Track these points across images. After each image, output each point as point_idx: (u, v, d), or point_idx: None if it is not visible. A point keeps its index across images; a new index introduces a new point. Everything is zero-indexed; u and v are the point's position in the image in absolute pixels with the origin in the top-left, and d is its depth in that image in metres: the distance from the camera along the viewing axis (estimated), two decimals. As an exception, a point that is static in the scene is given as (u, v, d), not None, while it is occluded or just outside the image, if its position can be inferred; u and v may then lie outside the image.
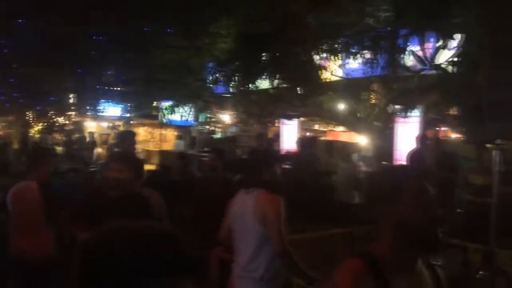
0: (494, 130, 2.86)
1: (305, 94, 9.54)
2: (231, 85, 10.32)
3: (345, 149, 10.37)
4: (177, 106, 14.10)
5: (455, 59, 5.59)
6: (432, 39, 6.30)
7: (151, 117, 18.21)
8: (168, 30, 10.77)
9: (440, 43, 6.12)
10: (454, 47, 6.00)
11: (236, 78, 9.51)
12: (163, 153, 15.49)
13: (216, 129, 18.83)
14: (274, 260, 3.09)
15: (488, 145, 3.13)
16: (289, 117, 12.54)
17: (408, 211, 1.43)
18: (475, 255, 3.95)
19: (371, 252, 1.44)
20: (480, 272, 3.24)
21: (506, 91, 2.83)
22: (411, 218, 1.42)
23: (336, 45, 8.06)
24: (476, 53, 2.95)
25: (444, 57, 6.25)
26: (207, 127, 19.23)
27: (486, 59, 2.80)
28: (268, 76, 9.10)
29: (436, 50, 6.41)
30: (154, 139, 20.45)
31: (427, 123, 10.06)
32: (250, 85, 9.36)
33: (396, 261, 1.43)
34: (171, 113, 14.48)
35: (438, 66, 6.41)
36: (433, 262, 3.76)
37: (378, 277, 1.39)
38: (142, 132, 21.02)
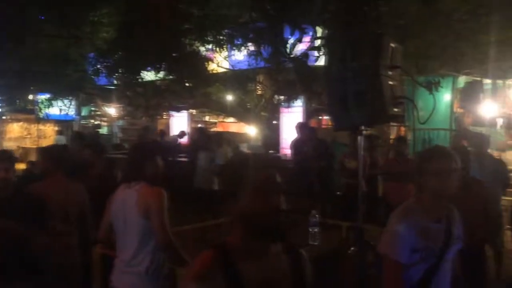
0: (358, 118, 3.11)
1: (192, 85, 9.52)
2: (114, 76, 9.89)
3: (233, 139, 10.55)
4: (55, 99, 13.14)
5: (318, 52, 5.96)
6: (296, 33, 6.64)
7: (26, 111, 16.75)
8: (43, 17, 9.93)
9: (299, 36, 6.49)
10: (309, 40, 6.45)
11: (120, 69, 9.14)
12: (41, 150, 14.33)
13: (102, 123, 17.94)
14: (158, 253, 3.06)
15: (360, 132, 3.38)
16: (178, 109, 12.43)
17: (252, 202, 1.45)
18: (350, 233, 4.31)
19: (224, 242, 1.49)
20: (352, 248, 3.53)
21: (369, 80, 3.09)
22: (255, 208, 1.44)
23: (220, 37, 8.14)
24: (337, 46, 3.18)
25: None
26: (92, 121, 18.24)
27: (348, 51, 3.03)
28: (153, 67, 8.88)
29: (294, 43, 6.79)
30: (31, 135, 18.86)
31: (310, 113, 10.67)
32: (134, 77, 9.06)
33: (246, 249, 1.47)
34: (49, 107, 13.46)
35: (295, 58, 6.79)
36: (310, 242, 4.04)
37: (229, 266, 1.43)
38: (16, 128, 19.23)
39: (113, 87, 11.88)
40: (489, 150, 8.01)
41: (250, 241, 1.47)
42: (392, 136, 9.44)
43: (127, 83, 9.67)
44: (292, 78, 8.98)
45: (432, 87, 7.39)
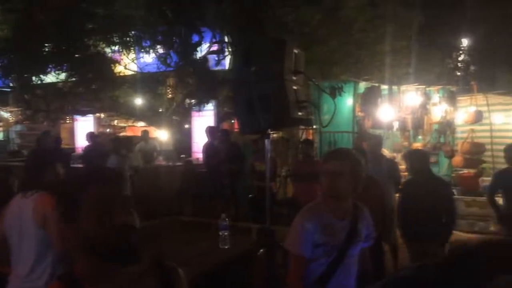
0: (263, 121, 3.16)
1: (98, 88, 9.09)
2: (10, 77, 9.13)
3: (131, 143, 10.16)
4: None
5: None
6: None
7: None
8: None
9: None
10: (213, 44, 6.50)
11: (16, 69, 8.45)
12: None
13: (-4, 128, 16.45)
14: (58, 265, 2.86)
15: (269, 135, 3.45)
16: (83, 113, 11.79)
17: (90, 222, 1.27)
18: (260, 235, 4.37)
19: (71, 272, 1.33)
20: (261, 250, 3.57)
21: (273, 84, 3.16)
22: (94, 230, 1.27)
23: (127, 38, 7.87)
24: (240, 50, 3.22)
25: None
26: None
27: (252, 56, 3.08)
28: (53, 69, 8.33)
29: (194, 46, 6.80)
30: None
31: (222, 116, 10.71)
32: (33, 78, 8.43)
33: (95, 276, 1.31)
34: None
35: (194, 62, 6.81)
36: (220, 246, 4.04)
37: None
38: None
39: (8, 89, 10.95)
40: (387, 151, 8.69)
41: (97, 267, 1.29)
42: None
43: (24, 85, 8.97)
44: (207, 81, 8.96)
45: (336, 92, 7.82)
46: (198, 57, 6.43)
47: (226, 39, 6.54)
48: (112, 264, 1.29)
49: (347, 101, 8.72)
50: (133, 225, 1.29)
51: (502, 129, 10.15)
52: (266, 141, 3.42)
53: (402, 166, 8.83)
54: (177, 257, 3.74)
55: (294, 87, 3.32)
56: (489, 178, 9.45)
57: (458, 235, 7.45)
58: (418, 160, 4.38)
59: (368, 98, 8.49)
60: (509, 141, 9.85)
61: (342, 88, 7.92)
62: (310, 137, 9.41)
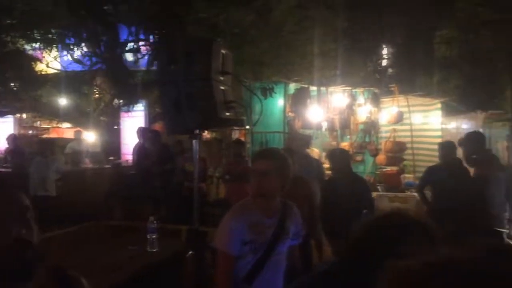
0: (190, 121, 3.14)
1: (18, 87, 8.55)
2: None
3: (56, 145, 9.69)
4: None
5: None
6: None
7: None
8: None
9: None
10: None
11: None
12: None
13: None
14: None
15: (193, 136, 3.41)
16: (2, 114, 11.03)
17: None
18: (190, 236, 4.33)
19: None
20: (190, 252, 3.53)
21: (200, 84, 3.14)
22: None
23: (49, 35, 7.46)
24: (165, 49, 3.18)
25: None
26: None
27: (178, 55, 3.04)
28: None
29: (110, 44, 6.63)
30: None
31: (153, 117, 10.48)
32: None
33: None
34: None
35: (107, 59, 6.61)
36: (148, 249, 3.95)
37: None
38: None
39: None
40: (317, 150, 8.96)
41: None
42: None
43: None
44: (132, 81, 8.72)
45: (267, 92, 7.94)
46: (112, 55, 6.21)
47: (143, 37, 6.39)
48: (1, 282, 1.16)
49: (278, 101, 8.89)
50: (28, 240, 1.17)
51: (421, 128, 10.81)
52: (194, 142, 3.40)
53: (326, 165, 9.15)
54: (103, 263, 3.61)
55: (222, 87, 3.32)
56: (410, 175, 10.06)
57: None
58: (340, 159, 4.55)
59: (298, 99, 8.70)
60: (427, 140, 10.55)
61: (273, 89, 8.06)
62: (242, 138, 9.49)
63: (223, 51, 3.35)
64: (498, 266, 0.64)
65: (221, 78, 3.32)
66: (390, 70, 10.19)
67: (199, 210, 3.67)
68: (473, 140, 5.51)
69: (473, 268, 0.64)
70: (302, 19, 8.19)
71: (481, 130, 10.53)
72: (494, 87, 10.20)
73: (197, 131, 3.36)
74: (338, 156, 4.67)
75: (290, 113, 8.92)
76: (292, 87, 8.97)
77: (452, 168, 5.13)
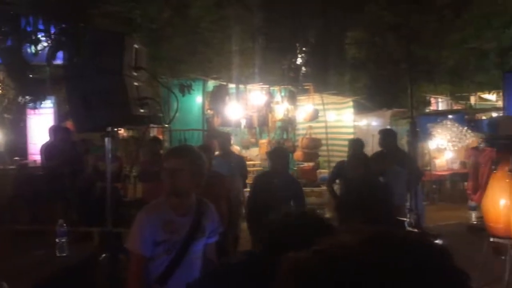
0: (101, 118, 2.99)
1: None
2: None
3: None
4: None
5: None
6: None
7: None
8: None
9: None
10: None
11: None
12: None
13: None
14: None
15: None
16: None
17: None
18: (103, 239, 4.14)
19: None
20: (103, 255, 3.37)
21: (111, 79, 3.00)
22: None
23: None
24: (73, 42, 3.01)
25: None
26: None
27: (87, 49, 2.89)
28: None
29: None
30: None
31: (64, 114, 9.88)
32: None
33: None
34: None
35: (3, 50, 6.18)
36: (58, 254, 3.73)
37: None
38: None
39: None
40: (237, 147, 9.02)
41: None
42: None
43: None
44: (39, 76, 8.14)
45: (185, 89, 7.82)
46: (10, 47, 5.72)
47: (43, 27, 5.95)
48: None
49: (197, 99, 8.81)
50: None
51: (335, 125, 11.33)
52: (106, 140, 3.25)
53: (250, 162, 9.24)
54: (7, 270, 3.35)
55: (136, 83, 3.21)
56: (325, 170, 10.49)
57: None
58: (278, 157, 4.59)
59: (217, 97, 8.70)
60: (341, 136, 11.07)
61: (191, 86, 7.94)
62: (160, 136, 9.28)
63: (136, 46, 3.24)
64: (372, 253, 0.68)
65: (134, 73, 3.20)
66: (304, 69, 10.56)
67: (115, 211, 3.52)
68: (383, 136, 6.00)
69: (349, 254, 0.68)
70: (219, 17, 8.18)
71: (388, 127, 11.28)
72: (398, 86, 10.98)
73: (109, 129, 3.22)
74: (276, 154, 4.72)
75: (209, 111, 8.90)
76: (211, 84, 8.95)
77: (357, 162, 5.43)
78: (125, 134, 11.39)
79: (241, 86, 9.21)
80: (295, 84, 10.19)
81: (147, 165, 6.33)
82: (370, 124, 12.64)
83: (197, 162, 2.39)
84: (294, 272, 0.71)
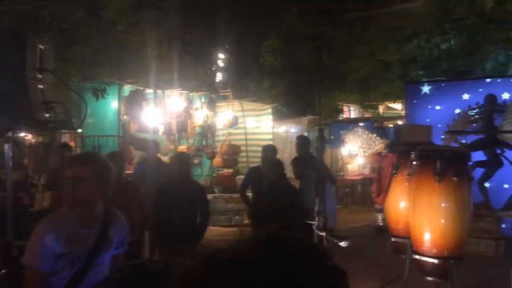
0: (1, 122, 2.80)
1: None
2: None
3: None
4: None
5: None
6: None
7: None
8: None
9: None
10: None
11: None
12: None
13: None
14: None
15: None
16: None
17: None
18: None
19: None
20: (3, 271, 3.12)
21: (12, 81, 2.82)
22: None
23: None
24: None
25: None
26: None
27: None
28: None
29: None
30: None
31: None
32: None
33: None
34: None
35: None
36: None
37: None
38: None
39: None
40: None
41: None
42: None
43: None
44: None
45: (98, 94, 7.52)
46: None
47: None
48: None
49: (112, 104, 8.49)
50: None
51: (255, 132, 11.50)
52: (6, 146, 3.03)
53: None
54: None
55: (40, 86, 3.04)
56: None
57: (218, 230, 8.08)
58: (179, 163, 4.53)
59: (133, 102, 8.44)
60: (260, 142, 11.24)
61: (105, 90, 7.67)
62: (72, 142, 8.83)
63: (41, 46, 3.07)
64: (257, 258, 0.71)
65: (39, 75, 3.03)
66: (221, 75, 10.64)
67: (19, 223, 3.29)
68: (299, 142, 6.30)
69: (235, 259, 0.71)
70: (136, 20, 7.98)
71: (305, 133, 11.69)
72: (313, 94, 11.45)
73: (10, 134, 3.01)
74: (178, 159, 4.64)
75: (125, 116, 8.61)
76: (127, 89, 8.67)
77: (269, 168, 5.60)
78: (33, 140, 10.68)
79: (159, 91, 9.04)
80: (214, 90, 10.22)
81: (56, 173, 5.98)
82: (289, 130, 12.99)
83: (101, 170, 2.27)
84: (185, 279, 0.72)
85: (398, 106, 12.92)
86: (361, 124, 11.84)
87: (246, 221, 8.52)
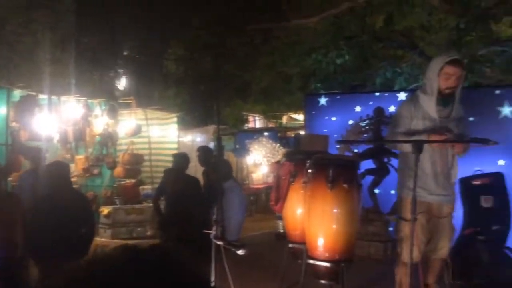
0: None
1: None
2: None
3: None
4: None
5: None
6: None
7: None
8: None
9: None
10: None
11: None
12: None
13: None
14: None
15: None
16: None
17: None
18: None
19: None
20: None
21: None
22: None
23: None
24: None
25: None
26: None
27: None
28: None
29: None
30: None
31: None
32: None
33: None
34: None
35: None
36: None
37: None
38: None
39: None
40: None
41: None
42: None
43: None
44: None
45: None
46: None
47: None
48: None
49: (0, 110, 7.81)
50: None
51: (159, 141, 11.26)
52: None
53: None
54: None
55: None
56: (148, 186, 10.33)
57: (119, 243, 7.76)
58: (54, 173, 4.21)
59: (24, 108, 7.82)
60: (165, 152, 11.06)
61: (-9, 94, 7.02)
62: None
63: None
64: (117, 267, 0.70)
65: None
66: (124, 82, 10.32)
67: None
68: (201, 153, 6.31)
69: (98, 269, 0.70)
70: (28, 20, 7.42)
71: (212, 143, 11.71)
72: (218, 103, 11.54)
73: None
74: (53, 169, 4.31)
75: (14, 123, 7.94)
76: (17, 94, 8.02)
77: (179, 176, 5.55)
78: None
79: (54, 97, 8.48)
80: (114, 98, 9.84)
81: None
82: (195, 139, 12.94)
83: None
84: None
85: (300, 117, 13.48)
86: (265, 133, 12.14)
87: (148, 233, 8.29)
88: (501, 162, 6.20)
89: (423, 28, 8.32)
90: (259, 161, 11.62)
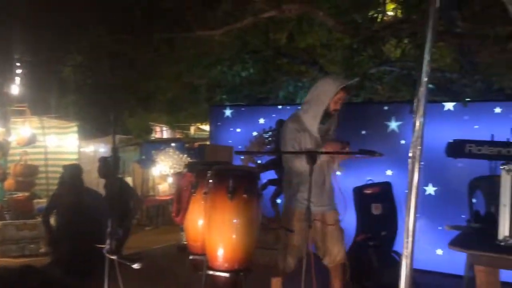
0: None
1: None
2: None
3: None
4: None
5: None
6: None
7: None
8: None
9: None
10: None
11: None
12: None
13: None
14: None
15: None
16: None
17: None
18: None
19: None
20: None
21: None
22: None
23: None
24: None
25: None
26: None
27: None
28: None
29: None
30: None
31: None
32: None
33: None
34: None
35: None
36: None
37: None
38: None
39: None
40: None
41: None
42: None
43: None
44: None
45: None
46: None
47: None
48: None
49: None
50: None
51: (57, 151, 10.64)
52: None
53: None
54: None
55: None
56: (43, 200, 9.67)
57: (8, 261, 7.17)
58: None
59: None
60: (63, 163, 10.42)
61: None
62: None
63: None
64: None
65: None
66: (17, 88, 9.62)
67: None
68: (102, 164, 6.05)
69: None
70: None
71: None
72: (118, 113, 11.18)
73: None
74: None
75: None
76: None
77: (73, 191, 5.27)
78: None
79: None
80: (6, 104, 9.14)
81: None
82: (98, 150, 12.40)
83: None
84: None
85: (208, 127, 13.51)
86: (172, 144, 11.99)
87: (42, 250, 7.78)
88: (389, 172, 6.75)
89: (324, 46, 8.80)
90: (166, 172, 11.42)
